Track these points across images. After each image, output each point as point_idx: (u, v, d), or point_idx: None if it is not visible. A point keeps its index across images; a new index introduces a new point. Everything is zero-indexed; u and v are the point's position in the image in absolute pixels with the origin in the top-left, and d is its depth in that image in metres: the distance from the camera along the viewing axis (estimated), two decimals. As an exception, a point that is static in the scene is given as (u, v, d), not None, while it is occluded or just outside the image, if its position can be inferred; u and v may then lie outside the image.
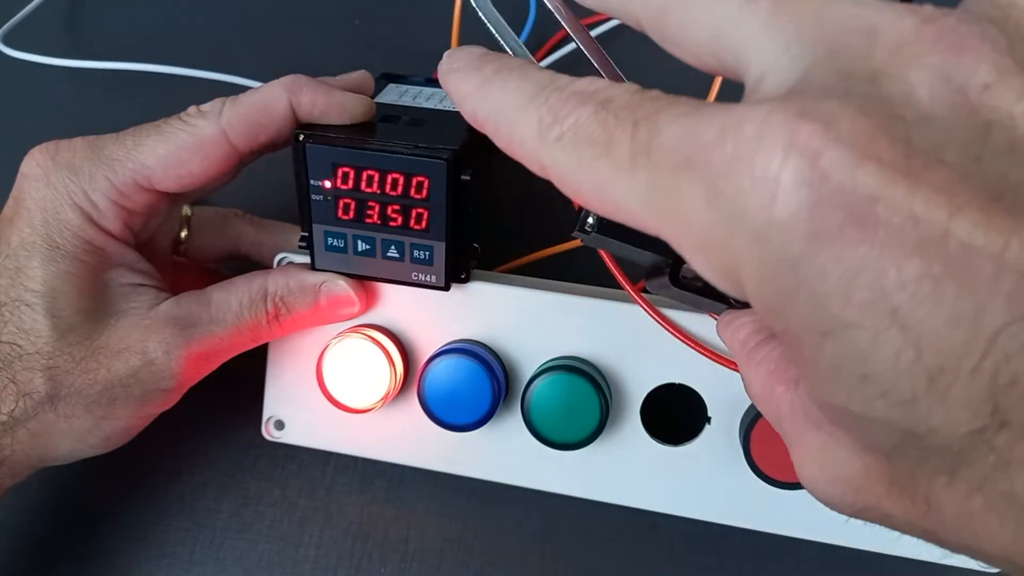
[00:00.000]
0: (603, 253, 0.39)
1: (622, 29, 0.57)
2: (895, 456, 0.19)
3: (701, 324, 0.40)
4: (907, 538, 0.25)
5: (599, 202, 0.22)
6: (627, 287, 0.40)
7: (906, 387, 0.17)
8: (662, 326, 0.40)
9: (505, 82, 0.25)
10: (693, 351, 0.40)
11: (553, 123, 0.22)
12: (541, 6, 0.56)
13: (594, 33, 0.56)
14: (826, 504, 0.23)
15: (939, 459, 0.18)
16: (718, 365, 0.40)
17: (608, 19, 0.57)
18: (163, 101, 0.44)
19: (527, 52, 0.32)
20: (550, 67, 0.56)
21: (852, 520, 0.23)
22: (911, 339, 0.16)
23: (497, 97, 0.25)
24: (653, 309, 0.40)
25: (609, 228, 0.30)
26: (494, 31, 0.31)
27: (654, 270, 0.33)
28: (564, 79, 0.23)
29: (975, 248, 0.16)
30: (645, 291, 0.41)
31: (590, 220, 0.30)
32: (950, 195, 0.16)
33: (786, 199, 0.17)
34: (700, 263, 0.20)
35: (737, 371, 0.30)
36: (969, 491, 0.18)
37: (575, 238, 0.32)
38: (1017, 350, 0.16)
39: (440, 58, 0.29)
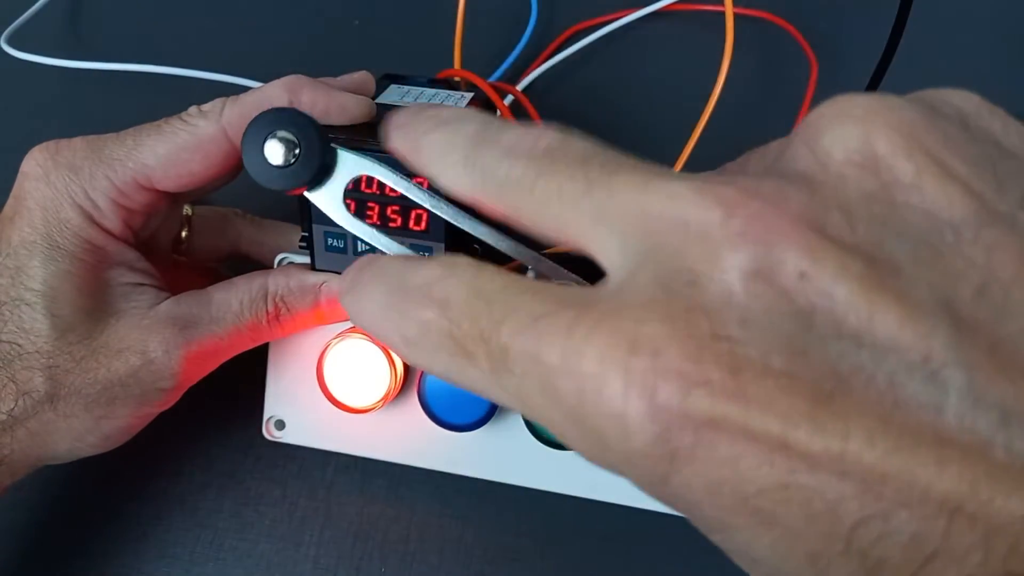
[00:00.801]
0: None
1: (619, 33, 0.57)
2: None
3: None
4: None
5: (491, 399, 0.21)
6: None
7: (791, 568, 0.17)
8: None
9: (366, 288, 0.24)
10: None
11: (408, 338, 0.22)
12: (542, 7, 0.56)
13: (595, 36, 0.56)
14: None
15: None
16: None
17: (607, 23, 0.57)
18: (164, 101, 0.44)
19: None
20: (551, 69, 0.56)
21: None
22: (780, 533, 0.17)
23: (363, 304, 0.24)
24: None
25: None
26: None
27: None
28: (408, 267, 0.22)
29: (814, 455, 0.16)
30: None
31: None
32: (780, 406, 0.16)
33: (637, 432, 0.17)
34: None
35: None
36: None
37: None
38: (876, 539, 0.16)
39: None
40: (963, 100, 0.20)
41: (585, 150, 0.21)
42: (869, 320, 0.17)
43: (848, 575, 0.17)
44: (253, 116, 0.38)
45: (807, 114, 0.19)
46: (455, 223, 0.29)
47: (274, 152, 0.30)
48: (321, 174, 0.30)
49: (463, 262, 0.22)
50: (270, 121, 0.30)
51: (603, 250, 0.20)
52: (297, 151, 0.30)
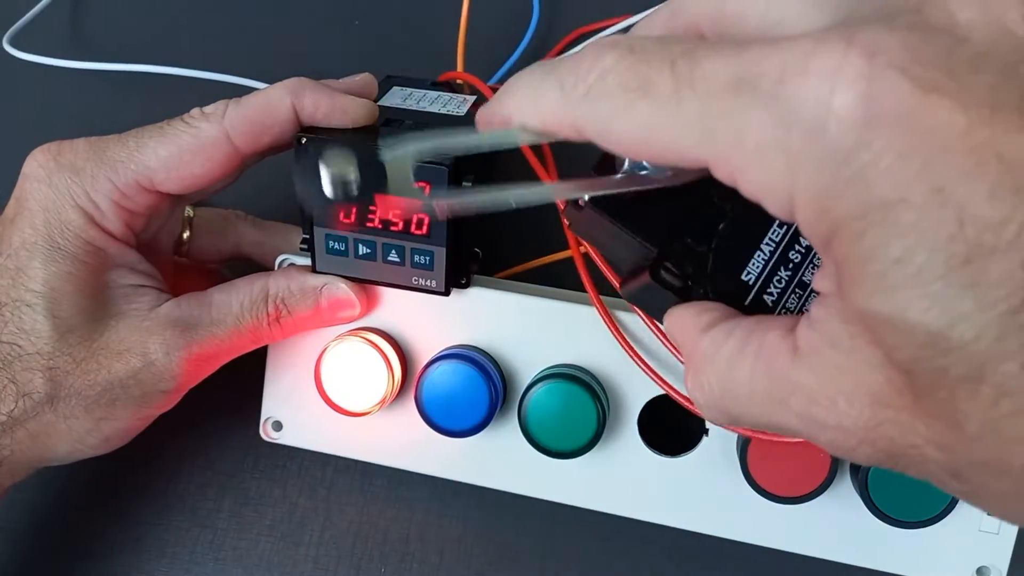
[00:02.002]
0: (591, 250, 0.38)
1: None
2: (918, 367, 0.19)
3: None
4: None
5: (643, 145, 0.23)
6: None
7: (940, 267, 0.18)
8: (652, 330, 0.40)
9: (519, 79, 0.26)
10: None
11: (577, 82, 0.23)
12: (544, 10, 0.56)
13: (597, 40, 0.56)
14: (835, 438, 0.23)
15: (965, 364, 0.18)
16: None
17: (609, 27, 0.57)
18: (166, 102, 0.44)
19: None
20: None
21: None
22: (953, 212, 0.18)
23: (517, 92, 0.26)
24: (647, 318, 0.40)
25: (605, 203, 0.29)
26: None
27: (633, 271, 0.32)
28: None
29: (1014, 137, 0.18)
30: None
31: (585, 197, 0.29)
32: (990, 98, 0.18)
33: (844, 94, 0.19)
34: (752, 178, 0.21)
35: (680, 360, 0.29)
36: (996, 396, 0.18)
37: (566, 217, 0.31)
38: None
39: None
40: None
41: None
42: None
43: (1001, 275, 0.17)
44: (255, 118, 0.39)
45: None
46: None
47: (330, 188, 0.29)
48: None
49: None
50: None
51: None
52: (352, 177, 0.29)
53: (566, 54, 0.25)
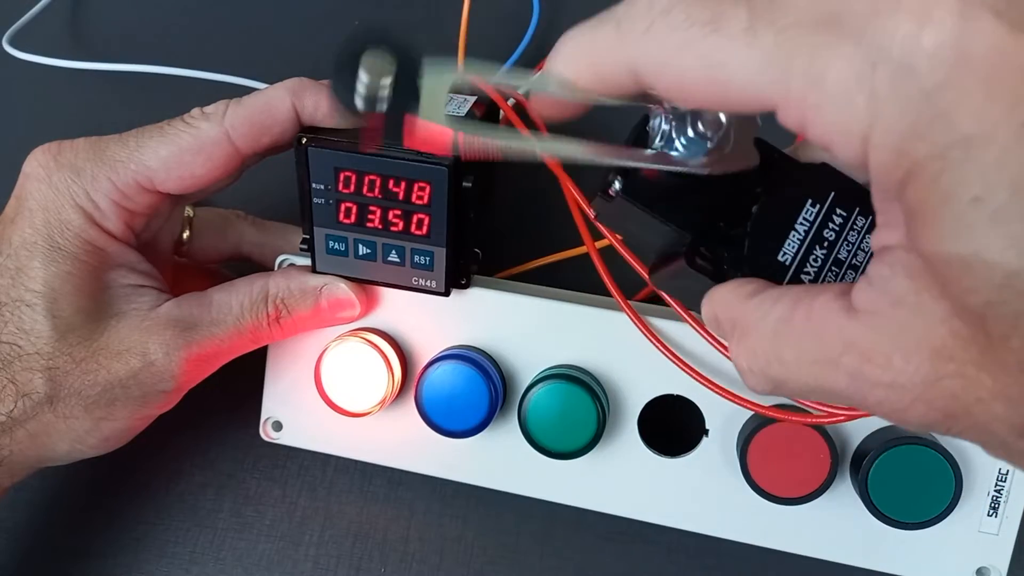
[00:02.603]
0: (613, 238, 0.37)
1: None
2: (992, 312, 0.19)
3: (696, 340, 0.40)
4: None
5: (709, 85, 0.22)
6: (620, 300, 0.40)
7: (1021, 201, 0.18)
8: (651, 341, 0.40)
9: (572, 30, 0.26)
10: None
11: (637, 18, 0.23)
12: (544, 10, 0.56)
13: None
14: (885, 397, 0.22)
15: None
16: (716, 374, 0.40)
17: None
18: (166, 102, 0.44)
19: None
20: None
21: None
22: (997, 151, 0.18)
23: (570, 40, 0.26)
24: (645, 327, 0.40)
25: (636, 191, 0.29)
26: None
27: (663, 258, 0.32)
28: None
29: None
30: (645, 299, 0.40)
31: (616, 184, 0.29)
32: None
33: (935, 30, 0.18)
34: (828, 118, 0.20)
35: (723, 352, 0.29)
36: None
37: (594, 208, 0.31)
38: None
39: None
40: None
41: None
42: None
43: None
44: (255, 118, 0.39)
45: None
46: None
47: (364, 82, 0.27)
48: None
49: None
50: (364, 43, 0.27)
51: None
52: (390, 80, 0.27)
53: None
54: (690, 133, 0.27)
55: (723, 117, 0.27)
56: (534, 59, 0.57)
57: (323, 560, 0.47)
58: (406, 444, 0.45)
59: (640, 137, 0.29)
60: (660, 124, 0.28)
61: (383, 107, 0.27)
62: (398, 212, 0.39)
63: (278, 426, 0.46)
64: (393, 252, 0.40)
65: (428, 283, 0.40)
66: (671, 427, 0.43)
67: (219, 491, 0.49)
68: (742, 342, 0.26)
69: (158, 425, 0.42)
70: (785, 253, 0.29)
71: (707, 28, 0.21)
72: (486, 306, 0.43)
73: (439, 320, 0.43)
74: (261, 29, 0.59)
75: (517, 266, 0.48)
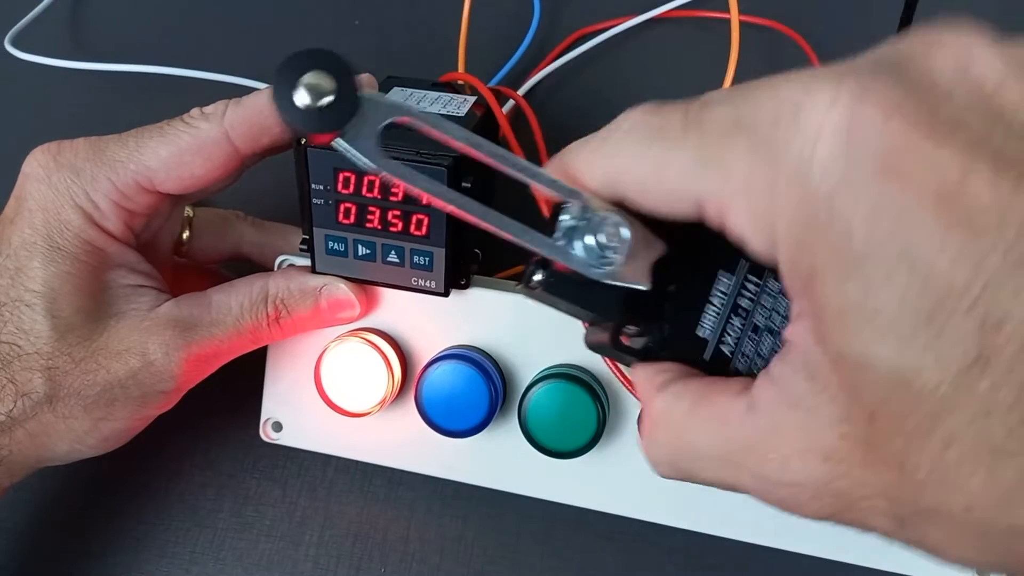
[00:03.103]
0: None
1: (623, 38, 0.57)
2: (880, 412, 0.20)
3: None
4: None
5: (654, 186, 0.25)
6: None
7: (908, 322, 0.19)
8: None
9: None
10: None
11: (608, 132, 0.26)
12: (545, 11, 0.56)
13: (598, 40, 0.56)
14: (786, 495, 0.24)
15: (922, 412, 0.19)
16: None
17: (610, 27, 0.56)
18: (166, 102, 0.44)
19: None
20: (554, 73, 0.56)
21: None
22: (919, 276, 0.19)
23: (570, 150, 0.28)
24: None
25: (557, 287, 0.29)
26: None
27: (594, 327, 0.32)
28: None
29: (984, 202, 0.18)
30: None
31: (536, 277, 0.29)
32: (968, 155, 0.19)
33: (828, 141, 0.20)
34: (739, 219, 0.22)
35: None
36: (945, 444, 0.19)
37: (520, 292, 0.31)
38: (1006, 296, 0.18)
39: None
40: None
41: None
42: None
43: (958, 336, 0.19)
44: (255, 118, 0.39)
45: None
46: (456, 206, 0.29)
47: (304, 95, 0.27)
48: (354, 119, 0.28)
49: None
50: (303, 62, 0.27)
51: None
52: (331, 95, 0.27)
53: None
54: (588, 240, 0.28)
55: (626, 233, 0.28)
56: (535, 59, 0.57)
57: (323, 560, 0.47)
58: (406, 444, 0.45)
59: (551, 225, 0.29)
60: (566, 220, 0.28)
61: (320, 127, 0.27)
62: (397, 212, 0.39)
63: (278, 427, 0.46)
64: (392, 252, 0.40)
65: (427, 283, 0.40)
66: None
67: (219, 491, 0.49)
68: (651, 434, 0.28)
69: (158, 425, 0.42)
70: (703, 326, 0.30)
71: (654, 136, 0.24)
72: (486, 306, 0.43)
73: (439, 320, 0.43)
74: (261, 29, 0.59)
75: (518, 265, 0.48)
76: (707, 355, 0.30)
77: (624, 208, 0.27)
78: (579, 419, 0.40)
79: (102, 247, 0.39)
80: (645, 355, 0.30)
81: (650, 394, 0.28)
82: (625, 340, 0.30)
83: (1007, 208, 0.18)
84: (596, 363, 0.42)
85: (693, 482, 0.27)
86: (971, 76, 0.20)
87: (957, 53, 0.20)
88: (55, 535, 0.48)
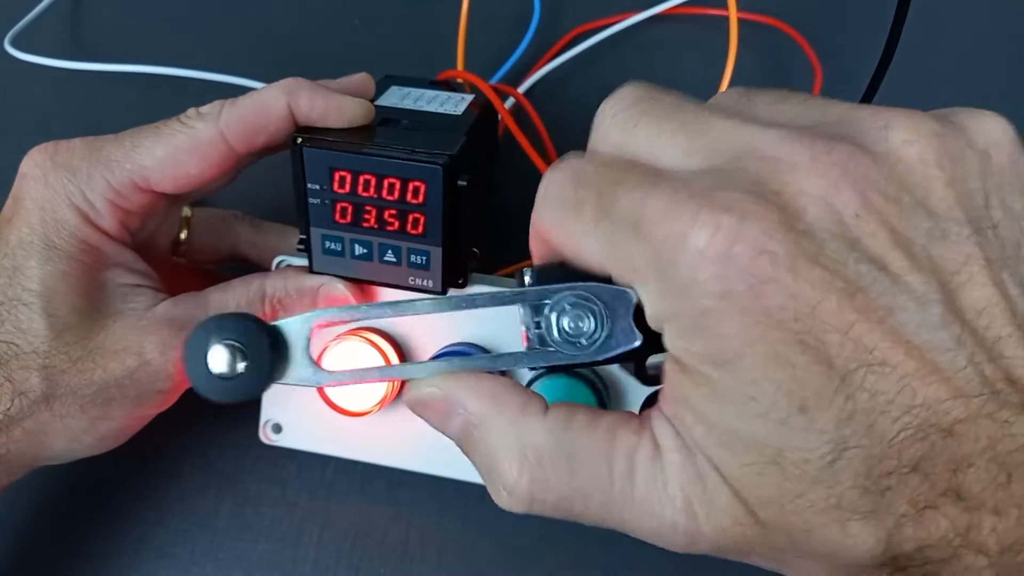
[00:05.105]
0: None
1: (622, 36, 0.57)
2: (755, 480, 0.24)
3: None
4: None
5: (573, 250, 0.27)
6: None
7: (783, 407, 0.23)
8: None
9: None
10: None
11: (540, 191, 0.28)
12: (545, 9, 0.56)
13: (598, 38, 0.56)
14: (676, 535, 0.27)
15: (792, 482, 0.23)
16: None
17: (610, 25, 0.56)
18: (167, 102, 0.44)
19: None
20: (554, 71, 0.56)
21: None
22: (788, 374, 0.22)
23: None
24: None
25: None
26: None
27: None
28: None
29: (831, 322, 0.22)
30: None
31: (527, 277, 0.29)
32: (821, 286, 0.22)
33: (707, 268, 0.23)
34: (641, 293, 0.25)
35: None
36: (815, 511, 0.23)
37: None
38: (865, 394, 0.22)
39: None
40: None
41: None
42: (888, 261, 0.23)
43: (824, 424, 0.22)
44: (250, 118, 0.39)
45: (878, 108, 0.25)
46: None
47: (219, 362, 0.28)
48: (276, 370, 0.29)
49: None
50: (210, 331, 0.28)
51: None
52: (244, 358, 0.28)
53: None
54: (556, 335, 0.28)
55: (589, 321, 0.28)
56: (534, 59, 0.57)
57: (323, 561, 0.47)
58: (406, 443, 0.45)
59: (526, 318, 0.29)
60: (527, 321, 0.29)
61: (241, 394, 0.29)
62: (394, 212, 0.39)
63: (278, 428, 0.46)
64: (389, 252, 0.40)
65: (425, 283, 0.40)
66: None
67: (219, 492, 0.49)
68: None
69: (157, 425, 0.42)
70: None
71: (572, 211, 0.27)
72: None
73: (438, 318, 0.43)
74: (261, 29, 0.59)
75: (517, 264, 0.48)
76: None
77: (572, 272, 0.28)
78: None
79: (98, 246, 0.39)
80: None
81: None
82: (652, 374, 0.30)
83: (849, 327, 0.22)
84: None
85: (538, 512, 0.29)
86: (833, 206, 0.23)
87: (821, 183, 0.23)
88: (54, 535, 0.48)
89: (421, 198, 0.38)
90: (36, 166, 0.39)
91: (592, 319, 0.27)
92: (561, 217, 0.27)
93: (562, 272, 0.28)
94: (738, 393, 0.23)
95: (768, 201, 0.23)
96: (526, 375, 0.42)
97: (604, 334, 0.27)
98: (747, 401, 0.23)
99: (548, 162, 0.46)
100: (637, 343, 0.27)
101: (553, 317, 0.28)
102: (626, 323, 0.27)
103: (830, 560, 0.24)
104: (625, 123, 0.27)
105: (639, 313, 0.26)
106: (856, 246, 0.23)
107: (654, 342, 0.27)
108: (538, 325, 0.28)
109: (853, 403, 0.22)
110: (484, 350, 0.43)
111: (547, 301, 0.28)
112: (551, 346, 0.28)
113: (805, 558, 0.25)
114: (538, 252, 0.30)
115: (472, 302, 0.29)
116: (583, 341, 0.28)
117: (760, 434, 0.23)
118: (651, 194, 0.24)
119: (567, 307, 0.27)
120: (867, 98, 0.49)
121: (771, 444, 0.23)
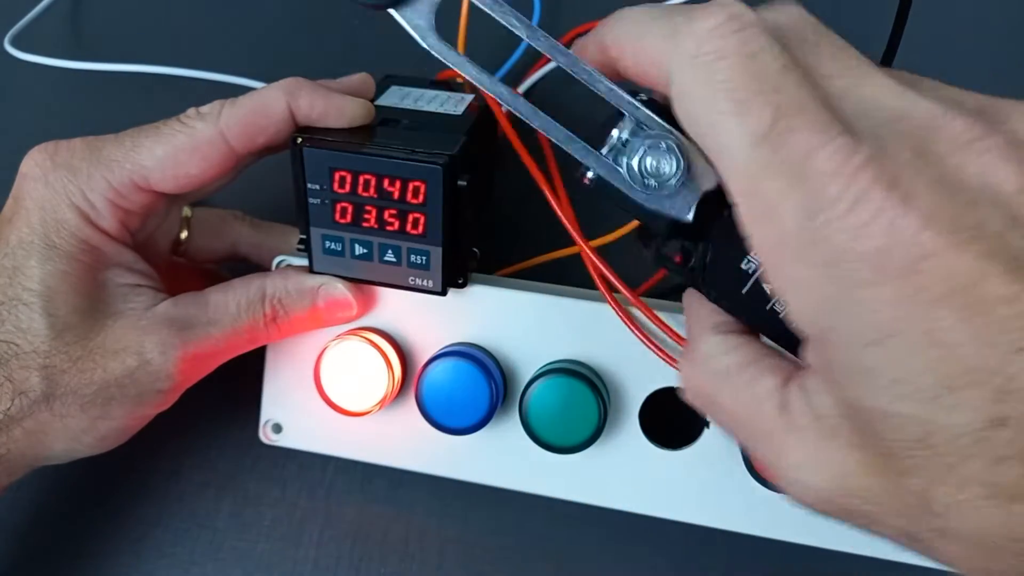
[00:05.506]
0: None
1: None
2: (902, 453, 0.23)
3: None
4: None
5: (711, 138, 0.25)
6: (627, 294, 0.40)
7: (930, 388, 0.22)
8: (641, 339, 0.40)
9: (628, 13, 0.30)
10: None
11: (689, 41, 0.26)
12: (545, 9, 0.56)
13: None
14: (805, 498, 0.26)
15: (941, 457, 0.22)
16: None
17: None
18: (167, 102, 0.44)
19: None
20: (554, 71, 0.56)
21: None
22: (943, 352, 0.22)
23: (623, 20, 0.30)
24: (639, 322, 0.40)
25: (607, 186, 0.30)
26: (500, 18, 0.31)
27: (642, 233, 0.33)
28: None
29: (998, 296, 0.21)
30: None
31: (590, 174, 0.30)
32: (985, 261, 0.21)
33: (869, 238, 0.22)
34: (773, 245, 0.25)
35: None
36: (960, 485, 0.22)
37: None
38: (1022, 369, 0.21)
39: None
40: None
41: None
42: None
43: (978, 402, 0.21)
44: (250, 118, 0.39)
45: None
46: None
47: None
48: None
49: None
50: None
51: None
52: None
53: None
54: (634, 161, 0.28)
55: (669, 168, 0.28)
56: (534, 59, 0.56)
57: (323, 560, 0.47)
58: (407, 443, 0.45)
59: (602, 134, 0.29)
60: (617, 134, 0.29)
61: None
62: (394, 211, 0.39)
63: (278, 428, 0.46)
64: (389, 252, 0.40)
65: (425, 282, 0.40)
66: (672, 420, 0.43)
67: (219, 492, 0.49)
68: (691, 368, 0.31)
69: (157, 425, 0.42)
70: (750, 262, 0.29)
71: (734, 107, 0.25)
72: (485, 303, 0.43)
73: (438, 318, 0.43)
74: (261, 29, 0.59)
75: (516, 264, 0.48)
76: (745, 290, 0.30)
77: (683, 132, 0.27)
78: (580, 414, 0.40)
79: (98, 246, 0.39)
80: (690, 275, 0.30)
81: (701, 329, 0.31)
82: (670, 254, 0.31)
83: (1017, 302, 0.21)
84: (596, 358, 0.42)
85: (710, 417, 0.30)
86: (993, 182, 0.23)
87: (984, 160, 0.23)
88: (54, 535, 0.48)
89: (421, 198, 0.38)
90: (36, 166, 0.39)
91: (672, 168, 0.28)
92: (715, 97, 0.25)
93: (670, 118, 0.28)
94: (887, 372, 0.23)
95: (931, 170, 0.23)
96: (527, 375, 0.42)
97: (666, 193, 0.28)
98: (895, 383, 0.23)
99: (543, 163, 0.46)
100: (689, 217, 0.28)
101: (644, 146, 0.28)
102: (690, 199, 0.28)
103: (977, 541, 0.23)
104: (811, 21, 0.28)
105: (704, 202, 0.27)
106: (1018, 222, 0.22)
107: (695, 232, 0.28)
108: (623, 144, 0.29)
109: (1013, 380, 0.21)
110: (484, 350, 0.43)
111: (652, 129, 0.28)
112: (620, 167, 0.28)
113: (950, 539, 0.24)
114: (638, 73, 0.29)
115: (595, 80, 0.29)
116: (651, 182, 0.28)
117: (907, 412, 0.23)
118: (827, 143, 0.23)
119: (663, 145, 0.28)
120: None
121: (922, 422, 0.22)
